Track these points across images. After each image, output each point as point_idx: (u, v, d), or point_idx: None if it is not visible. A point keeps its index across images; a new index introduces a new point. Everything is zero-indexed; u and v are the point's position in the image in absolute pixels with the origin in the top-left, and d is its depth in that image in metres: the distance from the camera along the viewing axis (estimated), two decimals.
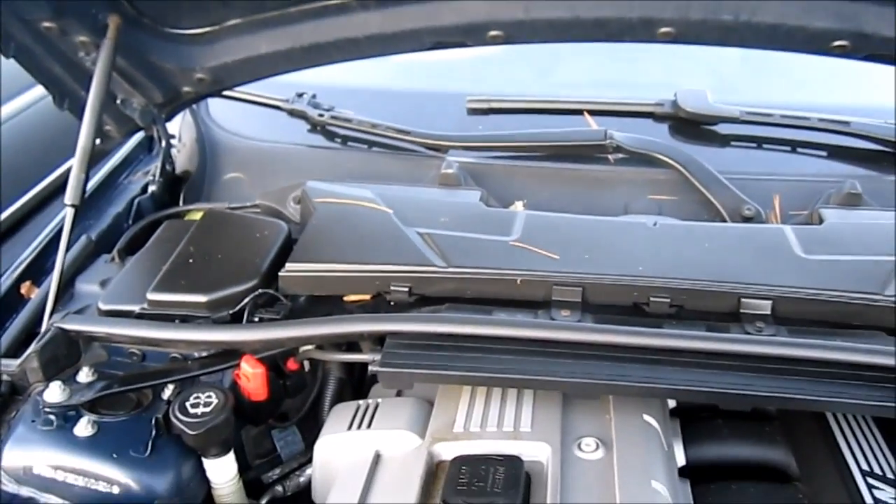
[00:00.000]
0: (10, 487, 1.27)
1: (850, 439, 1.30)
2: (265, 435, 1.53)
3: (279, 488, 1.51)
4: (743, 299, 1.32)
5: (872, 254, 1.41)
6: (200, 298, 1.42)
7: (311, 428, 1.46)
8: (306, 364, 1.54)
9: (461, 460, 1.17)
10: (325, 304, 1.45)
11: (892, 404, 1.16)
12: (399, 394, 1.44)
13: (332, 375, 1.52)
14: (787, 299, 1.32)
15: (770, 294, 1.32)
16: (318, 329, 1.34)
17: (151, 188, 1.89)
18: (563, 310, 1.34)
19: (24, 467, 1.26)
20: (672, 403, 1.43)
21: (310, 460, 1.39)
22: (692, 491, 1.24)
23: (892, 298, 1.30)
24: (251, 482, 1.47)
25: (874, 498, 1.16)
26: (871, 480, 1.20)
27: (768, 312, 1.31)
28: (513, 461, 1.16)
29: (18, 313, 1.50)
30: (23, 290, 1.58)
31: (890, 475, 1.22)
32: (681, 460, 1.30)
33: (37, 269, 1.63)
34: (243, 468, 1.45)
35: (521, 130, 1.80)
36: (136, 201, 1.85)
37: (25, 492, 1.27)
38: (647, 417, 1.27)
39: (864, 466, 1.23)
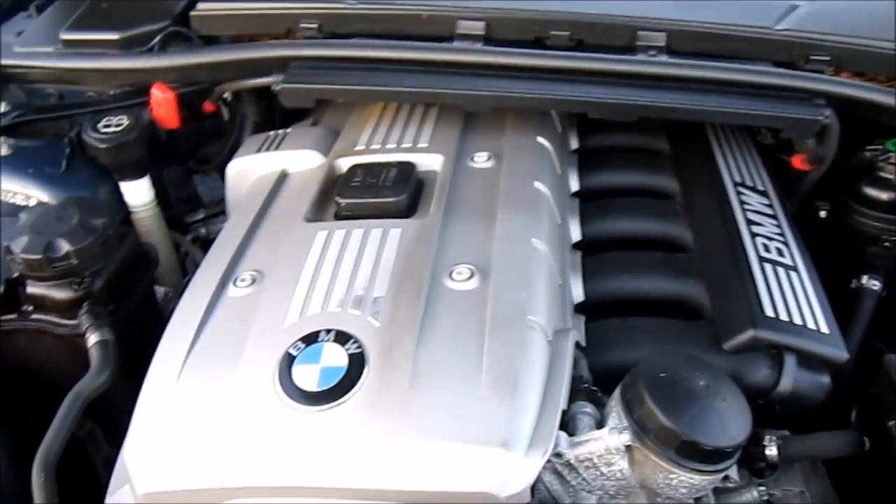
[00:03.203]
0: None
1: (727, 156, 1.38)
2: (187, 179, 1.59)
3: (203, 230, 1.58)
4: (639, 31, 1.35)
5: None
6: (113, 35, 1.43)
7: None
8: (224, 111, 1.59)
9: (357, 166, 1.24)
10: None
11: (768, 112, 1.24)
12: None
13: (250, 120, 1.56)
14: (681, 32, 1.35)
15: (665, 27, 1.35)
16: (225, 55, 1.37)
17: None
18: (467, 42, 1.37)
19: None
20: (574, 145, 1.50)
21: None
22: (582, 210, 1.33)
23: (782, 31, 1.35)
24: (174, 220, 1.54)
25: (740, 202, 1.25)
26: (740, 189, 1.29)
27: (663, 44, 1.35)
28: (406, 164, 1.22)
29: None
30: None
31: (759, 186, 1.32)
32: (574, 186, 1.38)
33: None
34: (165, 206, 1.51)
35: None
36: None
37: None
38: (540, 139, 1.33)
39: (737, 178, 1.32)
